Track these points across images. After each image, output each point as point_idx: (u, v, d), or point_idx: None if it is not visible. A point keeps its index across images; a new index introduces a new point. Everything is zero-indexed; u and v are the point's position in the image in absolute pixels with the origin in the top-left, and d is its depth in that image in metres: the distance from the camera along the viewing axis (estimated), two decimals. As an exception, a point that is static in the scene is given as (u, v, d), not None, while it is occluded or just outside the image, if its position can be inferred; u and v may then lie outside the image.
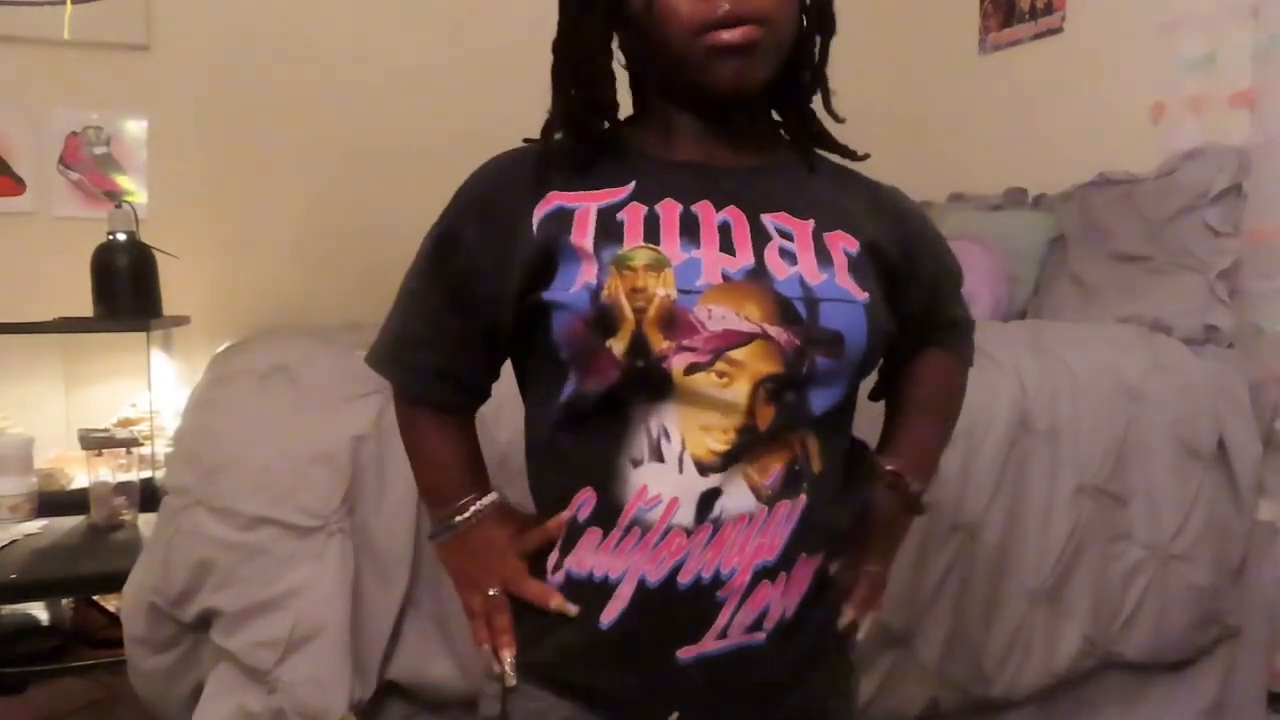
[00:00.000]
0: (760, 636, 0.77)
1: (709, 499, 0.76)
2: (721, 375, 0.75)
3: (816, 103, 0.89)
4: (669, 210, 0.79)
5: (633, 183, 0.81)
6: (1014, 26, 2.73)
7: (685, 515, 0.75)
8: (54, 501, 2.21)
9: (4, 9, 2.48)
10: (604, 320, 0.75)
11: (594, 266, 0.76)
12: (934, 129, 3.04)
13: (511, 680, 0.83)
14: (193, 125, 2.66)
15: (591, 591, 0.78)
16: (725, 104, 0.82)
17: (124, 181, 2.63)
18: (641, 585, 0.76)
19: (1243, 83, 2.02)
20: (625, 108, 0.86)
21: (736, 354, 0.75)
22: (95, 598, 2.24)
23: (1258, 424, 1.82)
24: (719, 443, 0.76)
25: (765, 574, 0.76)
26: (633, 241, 0.77)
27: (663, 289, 0.75)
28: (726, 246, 0.78)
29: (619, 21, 0.81)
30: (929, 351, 0.98)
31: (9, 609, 2.22)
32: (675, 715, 0.78)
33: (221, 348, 1.98)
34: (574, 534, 0.79)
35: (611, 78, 0.82)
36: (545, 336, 0.78)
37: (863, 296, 0.79)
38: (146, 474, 2.23)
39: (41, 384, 2.56)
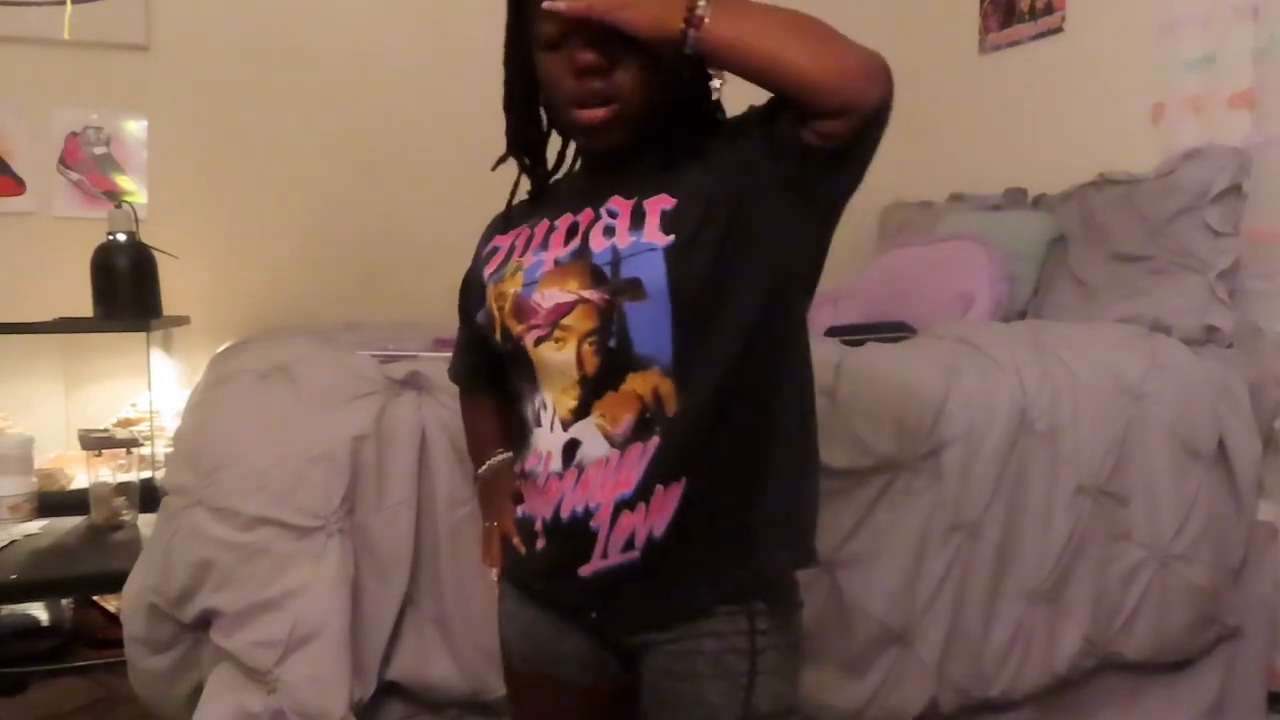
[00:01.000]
0: (635, 555, 0.94)
1: (571, 449, 0.95)
2: (557, 340, 0.95)
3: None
4: (541, 228, 1.02)
5: (536, 215, 1.04)
6: (1014, 26, 2.73)
7: (556, 464, 0.97)
8: (54, 501, 2.21)
9: (4, 9, 2.48)
10: (489, 323, 1.03)
11: (487, 287, 1.03)
12: (934, 129, 3.04)
13: (496, 588, 1.12)
14: (193, 125, 2.66)
15: (527, 527, 1.02)
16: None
17: (124, 181, 2.63)
18: (545, 521, 0.99)
19: (1243, 83, 2.02)
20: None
21: (566, 321, 0.94)
22: (95, 598, 2.24)
23: (1258, 424, 1.82)
24: (571, 399, 0.95)
25: (625, 505, 0.93)
26: (514, 259, 1.01)
27: (514, 288, 0.99)
28: (570, 240, 0.97)
29: (534, 81, 1.01)
30: None
31: (9, 609, 2.23)
32: (594, 615, 1.00)
33: (221, 348, 1.99)
34: (521, 484, 1.05)
35: (537, 123, 1.06)
36: None
37: (665, 241, 0.92)
38: (146, 474, 2.23)
39: (41, 384, 2.56)
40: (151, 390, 2.38)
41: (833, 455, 1.54)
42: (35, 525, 2.11)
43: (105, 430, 2.35)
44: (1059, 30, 2.57)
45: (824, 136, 0.92)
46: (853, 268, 2.94)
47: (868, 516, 1.57)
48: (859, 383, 1.61)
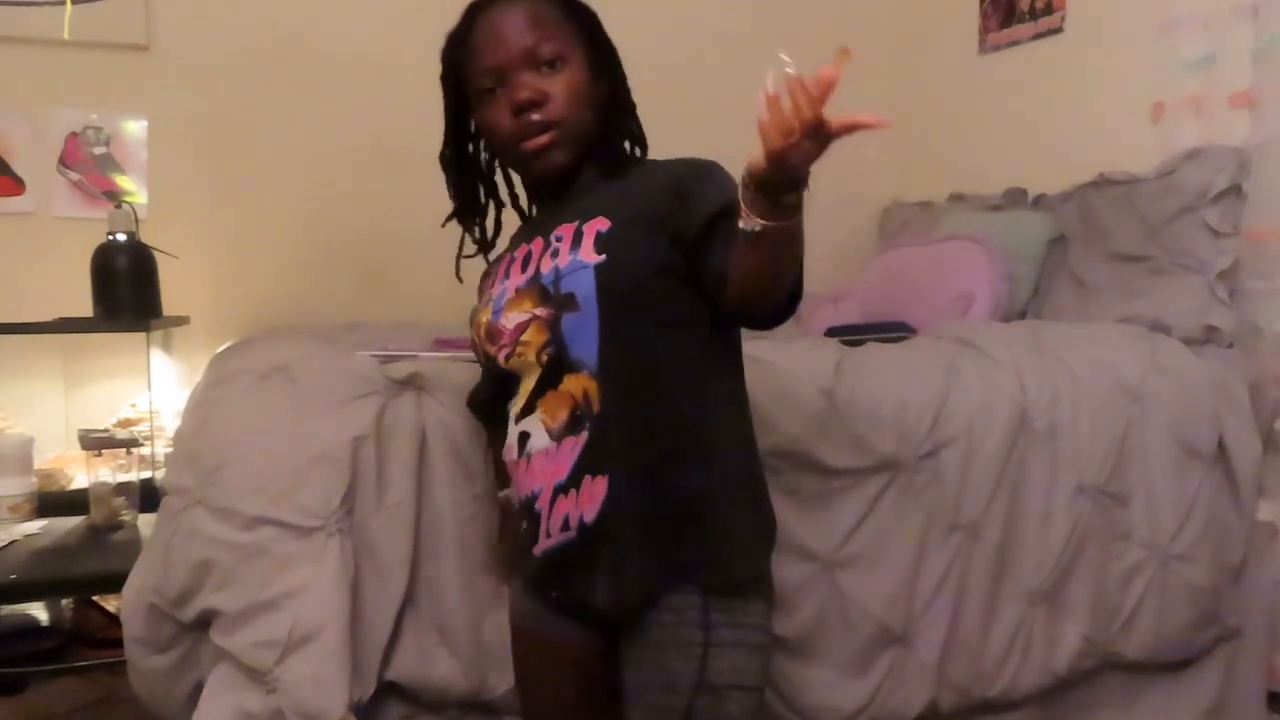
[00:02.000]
0: (572, 535, 1.06)
1: (523, 440, 1.09)
2: (519, 355, 1.09)
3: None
4: (504, 263, 1.17)
5: (504, 255, 1.19)
6: (1014, 26, 2.72)
7: (513, 454, 1.11)
8: (54, 501, 2.21)
9: (4, 9, 2.48)
10: (474, 349, 1.19)
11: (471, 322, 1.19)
12: (934, 129, 3.04)
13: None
14: (193, 125, 2.66)
15: (531, 511, 1.13)
16: (549, 181, 1.15)
17: (124, 181, 2.63)
18: (519, 502, 1.13)
19: (1243, 83, 2.02)
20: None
21: (525, 337, 1.08)
22: (95, 598, 2.24)
23: (1258, 424, 1.82)
24: (525, 399, 1.09)
25: (560, 490, 1.06)
26: (485, 292, 1.19)
27: (485, 317, 1.14)
28: (526, 268, 1.11)
29: (473, 135, 1.21)
30: None
31: (9, 609, 2.23)
32: (554, 594, 1.12)
33: (221, 348, 1.98)
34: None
35: (480, 176, 1.24)
36: None
37: (597, 259, 1.04)
38: (146, 474, 2.22)
39: (41, 384, 2.55)
40: (151, 390, 2.38)
41: (833, 455, 1.54)
42: (35, 525, 2.11)
43: (105, 430, 2.35)
44: (1059, 30, 2.57)
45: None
46: (853, 268, 2.94)
47: (868, 516, 1.57)
48: (859, 383, 1.61)
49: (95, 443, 2.14)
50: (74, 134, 2.58)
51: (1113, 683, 1.75)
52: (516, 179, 1.23)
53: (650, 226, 1.06)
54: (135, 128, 2.63)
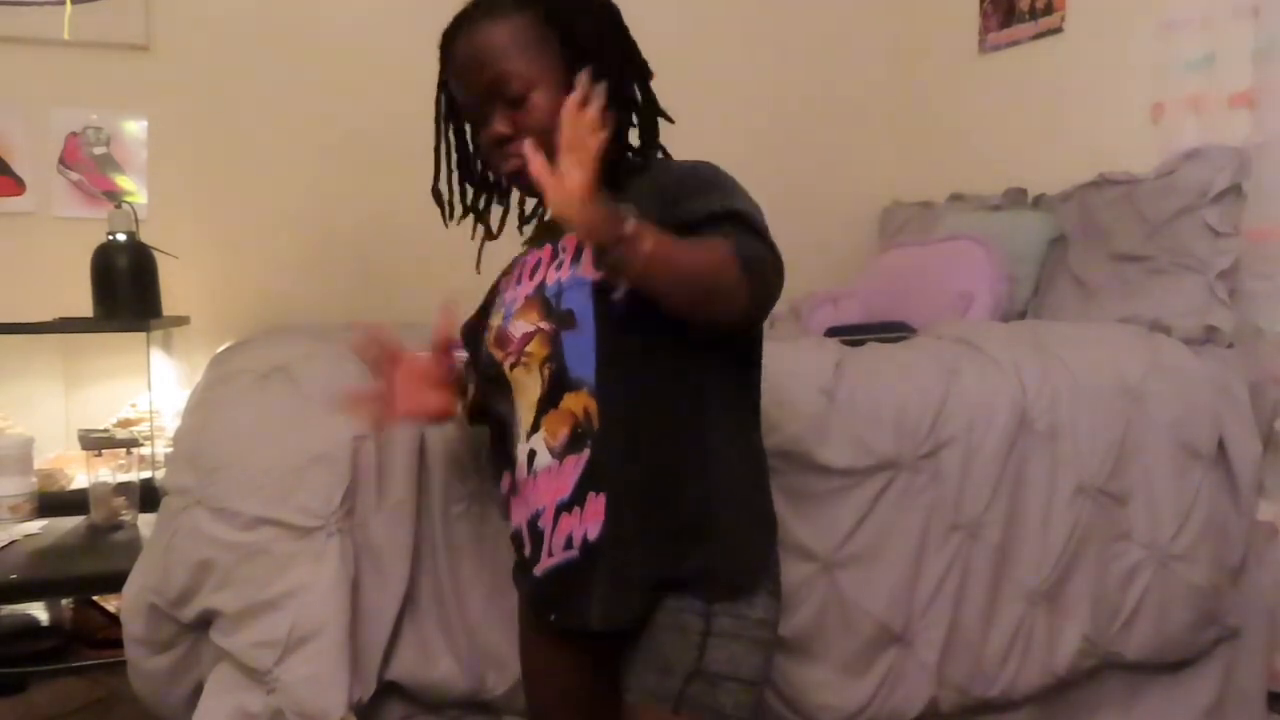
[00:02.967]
0: (574, 554, 1.05)
1: (531, 458, 1.08)
2: (525, 365, 1.08)
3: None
4: (518, 267, 1.15)
5: (521, 257, 1.17)
6: (1014, 26, 2.73)
7: (523, 472, 1.09)
8: (54, 501, 2.21)
9: (4, 9, 2.48)
10: (477, 358, 1.18)
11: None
12: (934, 129, 3.04)
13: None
14: (193, 125, 2.66)
15: (516, 537, 1.13)
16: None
17: (124, 181, 2.63)
18: (522, 524, 1.10)
19: (1243, 83, 2.02)
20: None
21: (530, 348, 1.07)
22: (95, 598, 2.24)
23: (1258, 424, 1.82)
24: (530, 415, 1.08)
25: (564, 508, 1.05)
26: (498, 298, 1.17)
27: (497, 321, 1.14)
28: (535, 275, 1.10)
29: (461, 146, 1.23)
30: None
31: (9, 609, 2.22)
32: (553, 617, 1.11)
33: (221, 348, 1.99)
34: (505, 505, 1.15)
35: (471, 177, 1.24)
36: None
37: (595, 275, 1.02)
38: (146, 474, 2.22)
39: (41, 384, 2.55)
40: (151, 390, 2.38)
41: (833, 455, 1.54)
42: (35, 525, 2.11)
43: (105, 430, 2.35)
44: (1059, 30, 2.57)
45: None
46: (853, 268, 2.94)
47: (868, 516, 1.57)
48: (859, 383, 1.61)
49: (95, 443, 2.14)
50: (74, 134, 2.59)
51: (1113, 683, 1.75)
52: None
53: None
54: (135, 128, 2.63)
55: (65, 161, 2.59)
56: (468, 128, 1.21)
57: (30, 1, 2.50)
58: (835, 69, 3.17)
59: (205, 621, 1.38)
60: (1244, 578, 1.80)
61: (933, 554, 1.59)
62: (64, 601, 2.26)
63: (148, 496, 2.07)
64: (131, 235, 2.34)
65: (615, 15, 1.15)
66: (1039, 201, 2.47)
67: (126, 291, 2.31)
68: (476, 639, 1.42)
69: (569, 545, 1.05)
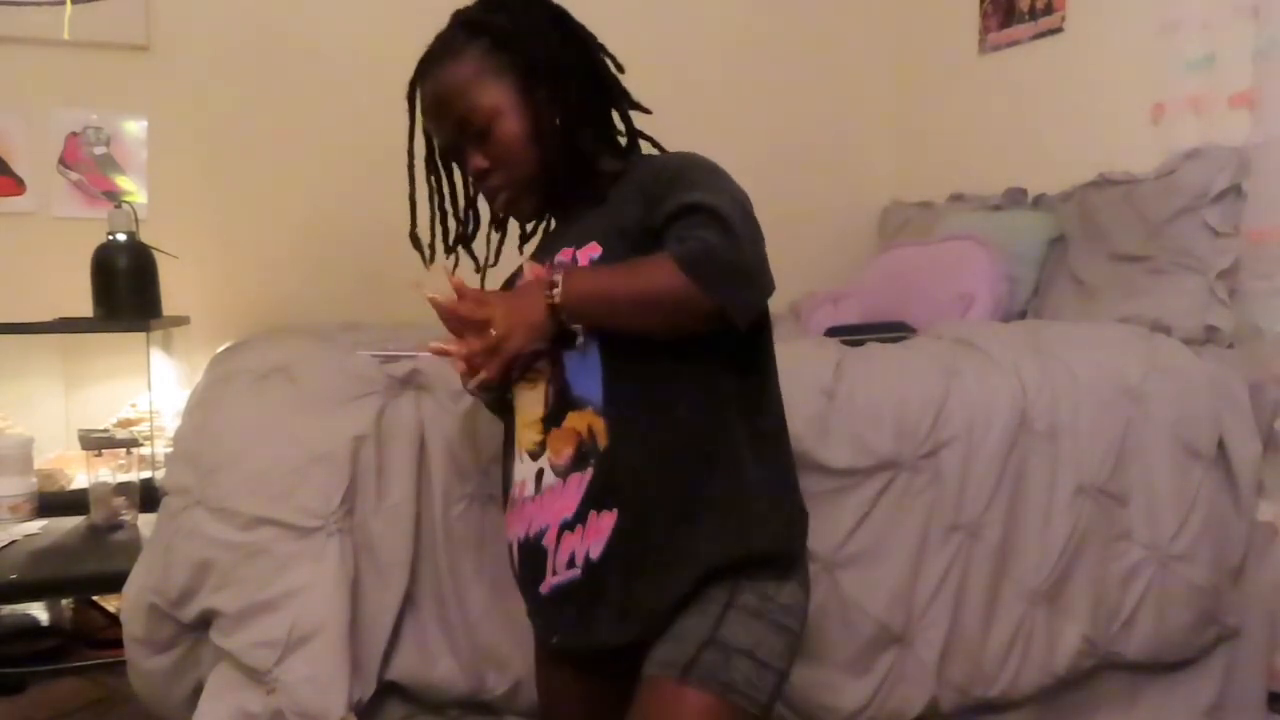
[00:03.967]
0: (576, 572, 1.03)
1: (539, 477, 1.06)
2: (530, 382, 1.08)
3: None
4: (520, 284, 1.13)
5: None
6: (1014, 26, 2.72)
7: (529, 490, 1.08)
8: (54, 501, 2.21)
9: (4, 9, 2.48)
10: None
11: None
12: (934, 129, 3.04)
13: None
14: (193, 125, 2.66)
15: (510, 554, 1.13)
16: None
17: (124, 181, 2.63)
18: (520, 542, 1.10)
19: (1243, 83, 2.02)
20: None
21: (538, 365, 1.06)
22: (95, 598, 2.24)
23: (1258, 424, 1.82)
24: (535, 434, 1.07)
25: (566, 526, 1.03)
26: None
27: None
28: None
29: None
30: None
31: (9, 609, 2.23)
32: (555, 639, 1.10)
33: (221, 348, 1.99)
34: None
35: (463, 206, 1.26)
36: None
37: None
38: (146, 474, 2.23)
39: (41, 384, 2.55)
40: (151, 390, 2.38)
41: (833, 455, 1.54)
42: (35, 525, 2.11)
43: (105, 430, 2.35)
44: (1059, 30, 2.57)
45: None
46: (853, 268, 2.94)
47: (868, 516, 1.57)
48: (859, 383, 1.61)
49: (95, 443, 2.14)
50: (74, 134, 2.58)
51: (1113, 683, 1.75)
52: None
53: (634, 242, 1.05)
54: (135, 128, 2.63)
55: (65, 161, 2.59)
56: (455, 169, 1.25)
57: (30, 1, 2.50)
58: (835, 69, 3.17)
59: (205, 621, 1.38)
60: (1244, 578, 1.80)
61: (933, 554, 1.59)
62: (64, 601, 2.26)
63: (148, 496, 2.07)
64: (131, 235, 2.34)
65: (568, 26, 1.16)
66: (1039, 201, 2.47)
67: (126, 291, 2.31)
68: (476, 639, 1.42)
69: (571, 564, 1.04)
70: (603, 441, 1.02)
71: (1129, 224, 2.11)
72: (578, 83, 1.14)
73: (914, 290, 2.39)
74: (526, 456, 1.08)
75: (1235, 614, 1.79)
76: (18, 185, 2.55)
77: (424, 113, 1.19)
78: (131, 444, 2.17)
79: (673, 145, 1.19)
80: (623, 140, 1.20)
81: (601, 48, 1.18)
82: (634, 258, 1.02)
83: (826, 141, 3.15)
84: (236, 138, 2.69)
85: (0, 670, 2.05)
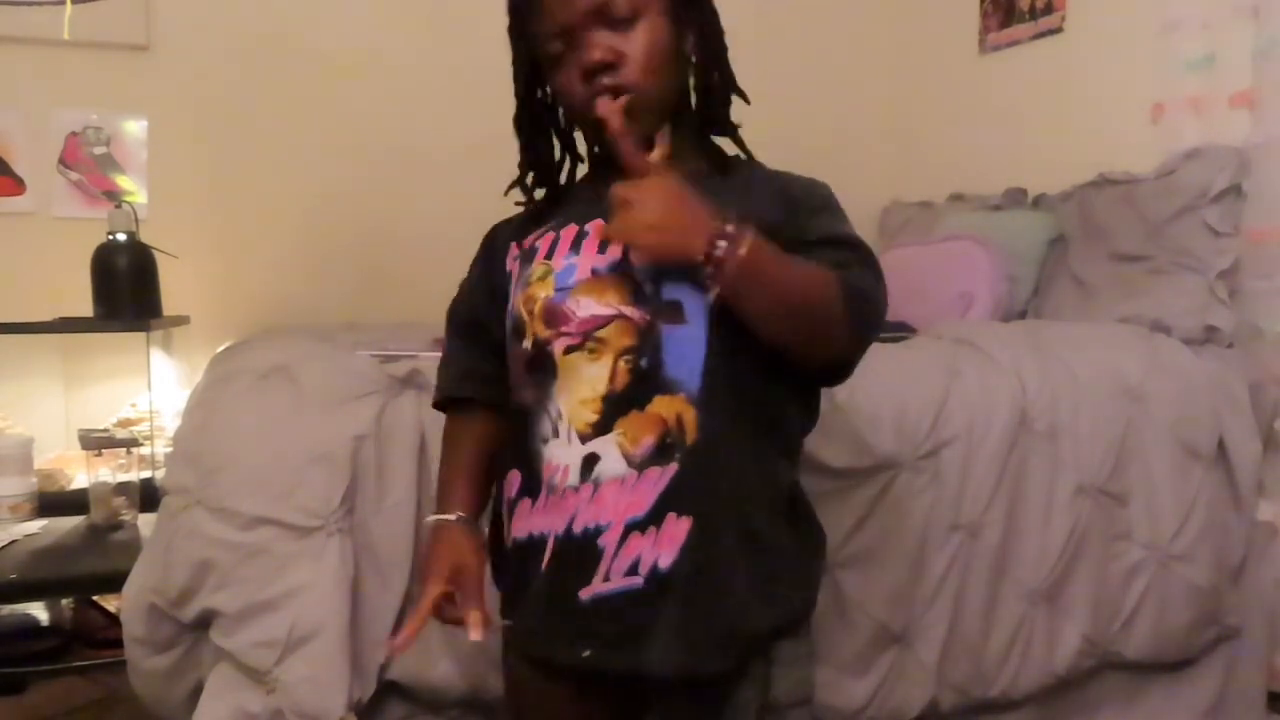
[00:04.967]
0: (638, 581, 0.91)
1: (589, 463, 0.92)
2: (591, 352, 0.93)
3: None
4: (568, 232, 1.00)
5: (556, 219, 1.02)
6: (1014, 26, 2.72)
7: (573, 478, 0.93)
8: (54, 501, 2.21)
9: (4, 9, 2.48)
10: (516, 326, 1.00)
11: (513, 289, 1.02)
12: (934, 129, 3.04)
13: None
14: (193, 125, 2.66)
15: (531, 547, 0.96)
16: None
17: (124, 181, 2.63)
18: (556, 537, 0.94)
19: (1243, 83, 2.02)
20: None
21: (602, 333, 0.93)
22: (95, 598, 2.24)
23: (1258, 424, 1.82)
24: (591, 413, 0.92)
25: (635, 527, 0.91)
26: (538, 260, 1.00)
27: (544, 292, 0.96)
28: (604, 249, 0.96)
29: (544, 98, 1.05)
30: None
31: (9, 609, 2.22)
32: (586, 653, 0.93)
33: (221, 348, 1.99)
34: (510, 508, 1.00)
35: (549, 142, 1.07)
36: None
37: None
38: (146, 474, 2.22)
39: (41, 384, 2.55)
40: (151, 390, 2.38)
41: (833, 455, 1.54)
42: (35, 525, 2.11)
43: (105, 430, 2.35)
44: (1059, 30, 2.57)
45: None
46: (853, 268, 2.94)
47: (868, 516, 1.57)
48: (859, 383, 1.60)
49: (95, 443, 2.14)
50: (74, 134, 2.58)
51: (1113, 683, 1.75)
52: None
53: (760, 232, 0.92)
54: (135, 128, 2.63)
55: (65, 161, 2.59)
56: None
57: (30, 1, 2.50)
58: (835, 69, 3.17)
59: (205, 621, 1.38)
60: (1244, 578, 1.80)
61: (933, 554, 1.59)
62: (64, 601, 2.26)
63: (148, 496, 2.07)
64: (131, 235, 2.34)
65: None
66: (1039, 201, 2.47)
67: (126, 291, 2.31)
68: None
69: (633, 571, 0.91)
70: (691, 436, 0.91)
71: (1129, 224, 2.12)
72: (718, 31, 1.04)
73: (914, 290, 2.39)
74: (575, 438, 0.93)
75: (1235, 614, 1.79)
76: (18, 185, 2.55)
77: None
78: (131, 444, 2.17)
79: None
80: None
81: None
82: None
83: (826, 141, 3.14)
84: (236, 138, 2.69)
85: (0, 670, 2.05)
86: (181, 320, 2.54)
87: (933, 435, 1.60)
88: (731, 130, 1.07)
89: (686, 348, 0.92)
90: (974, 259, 2.29)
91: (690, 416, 0.91)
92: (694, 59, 1.02)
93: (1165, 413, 1.73)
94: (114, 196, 2.55)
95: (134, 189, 2.63)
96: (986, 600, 1.62)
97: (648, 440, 0.91)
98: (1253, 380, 1.86)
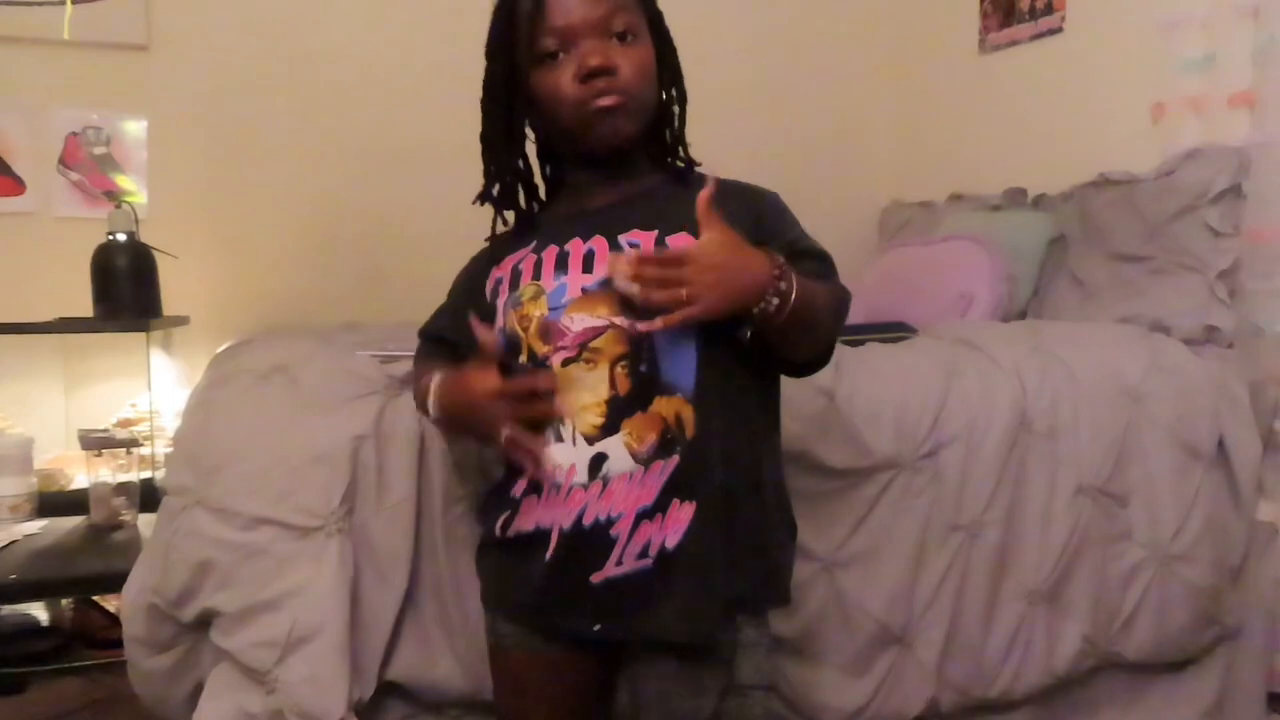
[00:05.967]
0: (648, 563, 1.00)
1: (597, 462, 1.01)
2: (588, 362, 1.02)
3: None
4: (550, 253, 1.08)
5: (534, 241, 1.11)
6: (1014, 26, 2.73)
7: (581, 476, 1.02)
8: (54, 501, 2.21)
9: (4, 9, 2.48)
10: (510, 345, 1.06)
11: (502, 311, 1.08)
12: (934, 129, 3.04)
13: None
14: (193, 125, 2.66)
15: (539, 538, 1.05)
16: (604, 157, 1.09)
17: (124, 181, 2.63)
18: (562, 530, 1.03)
19: (1243, 83, 2.02)
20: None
21: (596, 344, 1.01)
22: (95, 598, 2.24)
23: (1258, 424, 1.82)
24: (595, 416, 1.01)
25: (645, 515, 1.00)
26: (524, 283, 1.08)
27: (538, 311, 1.05)
28: (589, 268, 1.04)
29: (524, 107, 1.10)
30: None
31: (9, 609, 2.22)
32: (597, 627, 1.04)
33: (221, 348, 1.98)
34: (517, 504, 1.07)
35: (523, 155, 1.14)
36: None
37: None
38: (146, 474, 2.23)
39: (41, 384, 2.55)
40: (151, 390, 2.38)
41: (832, 455, 1.54)
42: (35, 525, 2.11)
43: (105, 430, 2.35)
44: (1059, 30, 2.57)
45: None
46: (853, 268, 2.94)
47: (868, 516, 1.57)
48: (859, 383, 1.61)
49: (95, 443, 2.14)
50: (74, 134, 2.58)
51: (1113, 683, 1.75)
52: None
53: None
54: (135, 128, 2.63)
55: (65, 161, 2.59)
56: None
57: (30, 1, 2.50)
58: (835, 68, 3.17)
59: (205, 621, 1.38)
60: (1244, 578, 1.80)
61: (933, 554, 1.59)
62: (64, 601, 2.26)
63: (148, 496, 2.07)
64: (131, 235, 2.34)
65: None
66: (1039, 201, 2.47)
67: (126, 291, 2.31)
68: (476, 639, 1.41)
69: (644, 554, 1.01)
70: (690, 431, 1.01)
71: (1129, 224, 2.12)
72: (677, 57, 1.15)
73: (914, 290, 2.39)
74: (581, 440, 1.02)
75: (1235, 614, 1.79)
76: (18, 185, 2.55)
77: None
78: (131, 444, 2.17)
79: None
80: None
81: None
82: None
83: (826, 141, 3.15)
84: (236, 138, 2.69)
85: (0, 670, 2.05)
86: (181, 320, 2.54)
87: (933, 435, 1.60)
88: (685, 144, 1.16)
89: (679, 353, 1.01)
90: (974, 259, 2.29)
91: (689, 414, 1.01)
92: (663, 79, 1.12)
93: (1165, 413, 1.73)
94: (114, 196, 2.55)
95: (134, 189, 2.63)
96: (986, 600, 1.62)
97: (652, 438, 1.00)
98: (1253, 380, 1.86)
